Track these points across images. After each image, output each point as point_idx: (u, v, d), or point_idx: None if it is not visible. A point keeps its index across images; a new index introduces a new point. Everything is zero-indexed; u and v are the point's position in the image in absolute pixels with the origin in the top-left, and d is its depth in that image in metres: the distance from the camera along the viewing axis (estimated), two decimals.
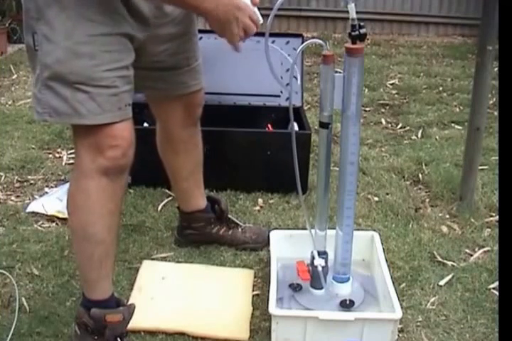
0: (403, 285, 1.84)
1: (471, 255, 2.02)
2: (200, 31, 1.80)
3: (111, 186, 1.43)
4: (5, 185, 2.46)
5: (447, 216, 2.26)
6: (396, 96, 3.68)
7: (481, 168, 2.43)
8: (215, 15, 1.41)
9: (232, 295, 1.79)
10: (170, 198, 2.32)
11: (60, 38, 1.33)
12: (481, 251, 2.04)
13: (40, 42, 1.35)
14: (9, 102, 3.45)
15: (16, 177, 2.52)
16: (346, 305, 1.65)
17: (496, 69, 2.77)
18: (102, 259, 1.50)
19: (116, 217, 1.50)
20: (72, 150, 2.52)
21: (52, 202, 2.23)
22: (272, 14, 1.38)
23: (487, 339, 1.64)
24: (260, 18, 1.48)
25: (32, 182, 2.50)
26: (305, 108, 2.89)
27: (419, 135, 3.06)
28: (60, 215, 2.16)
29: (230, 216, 2.06)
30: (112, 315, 1.48)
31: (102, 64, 1.35)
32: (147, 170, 2.29)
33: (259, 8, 1.49)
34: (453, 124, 3.21)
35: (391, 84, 3.87)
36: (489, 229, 2.16)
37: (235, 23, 1.41)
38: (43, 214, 2.21)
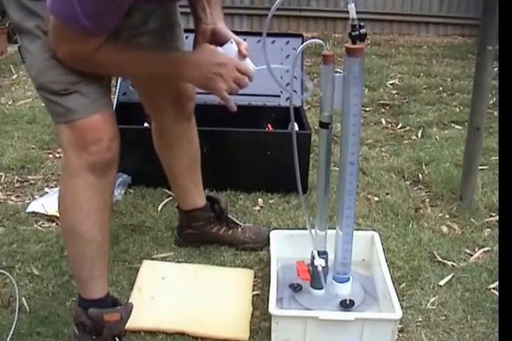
0: (403, 285, 1.84)
1: (471, 255, 2.02)
2: None
3: (98, 183, 1.44)
4: (5, 185, 2.46)
5: (447, 216, 2.26)
6: (396, 96, 3.68)
7: (481, 168, 2.43)
8: (194, 79, 1.49)
9: (232, 295, 1.79)
10: (170, 198, 2.32)
11: (37, 50, 1.38)
12: (481, 251, 2.04)
13: (24, 55, 1.42)
14: (9, 102, 3.44)
15: (16, 177, 2.52)
16: (346, 305, 1.65)
17: (496, 69, 2.77)
18: (94, 258, 1.50)
19: (106, 215, 1.50)
20: None
21: (52, 202, 2.22)
22: (270, 14, 1.38)
23: (487, 339, 1.64)
24: (252, 66, 1.51)
25: (32, 182, 2.50)
26: (305, 108, 2.89)
27: (419, 135, 3.06)
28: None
29: (229, 216, 2.06)
30: (110, 315, 1.49)
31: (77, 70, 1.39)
32: (147, 170, 2.30)
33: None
34: (453, 124, 3.21)
35: (391, 84, 3.87)
36: (489, 229, 2.16)
37: (220, 79, 1.45)
38: (43, 214, 2.21)
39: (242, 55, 1.50)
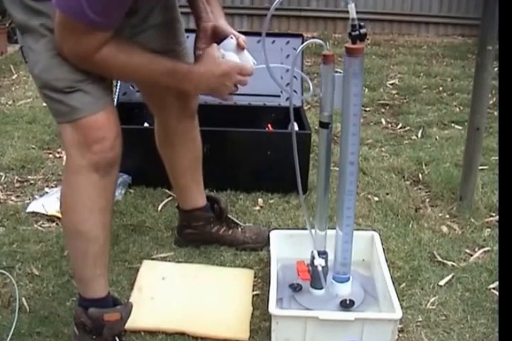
0: (403, 285, 1.84)
1: (471, 255, 2.02)
2: None
3: (101, 182, 1.43)
4: (5, 185, 2.46)
5: (447, 216, 2.26)
6: (396, 96, 3.68)
7: (481, 168, 2.43)
8: (197, 90, 1.54)
9: (232, 295, 1.79)
10: (170, 198, 2.32)
11: (42, 48, 1.37)
12: (481, 251, 2.04)
13: (27, 54, 1.41)
14: (9, 102, 3.44)
15: (16, 177, 2.52)
16: (346, 305, 1.65)
17: (496, 69, 2.77)
18: (97, 257, 1.50)
19: (108, 214, 1.50)
20: None
21: (52, 202, 2.23)
22: (269, 14, 1.38)
23: (487, 339, 1.64)
24: (251, 60, 1.52)
25: (32, 182, 2.50)
26: (305, 108, 2.89)
27: (419, 135, 3.06)
28: (60, 215, 2.16)
29: (229, 216, 2.06)
30: (110, 314, 1.49)
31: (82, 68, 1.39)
32: (147, 170, 2.30)
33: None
34: (453, 124, 3.21)
35: (391, 84, 3.87)
36: (489, 229, 2.16)
37: (223, 88, 1.49)
38: (43, 214, 2.20)
39: (240, 48, 1.51)
